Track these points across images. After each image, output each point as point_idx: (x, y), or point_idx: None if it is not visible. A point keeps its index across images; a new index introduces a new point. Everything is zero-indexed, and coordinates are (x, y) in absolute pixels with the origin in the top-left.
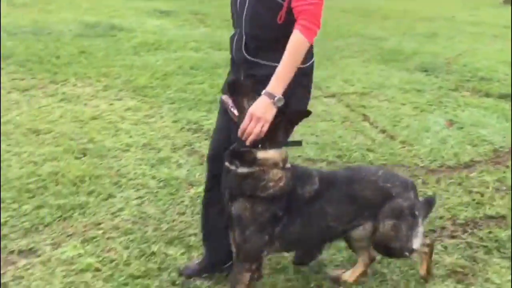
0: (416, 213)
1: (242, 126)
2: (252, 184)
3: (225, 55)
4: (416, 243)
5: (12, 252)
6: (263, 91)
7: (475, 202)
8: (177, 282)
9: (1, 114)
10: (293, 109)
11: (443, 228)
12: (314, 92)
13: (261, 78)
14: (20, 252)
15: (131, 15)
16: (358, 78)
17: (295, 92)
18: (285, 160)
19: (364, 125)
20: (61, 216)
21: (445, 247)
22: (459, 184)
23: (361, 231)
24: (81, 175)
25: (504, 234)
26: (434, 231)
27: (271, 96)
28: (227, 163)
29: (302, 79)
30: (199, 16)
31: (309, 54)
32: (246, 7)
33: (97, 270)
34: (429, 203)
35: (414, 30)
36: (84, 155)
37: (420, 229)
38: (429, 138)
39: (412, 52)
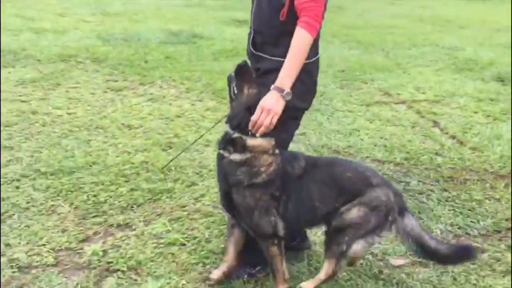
0: (390, 218)
1: (253, 118)
2: (247, 172)
3: None
4: (357, 247)
5: (111, 225)
6: (272, 86)
7: None
8: None
9: (99, 111)
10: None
11: (508, 229)
12: (383, 98)
13: (265, 72)
14: (118, 226)
15: (211, 24)
16: (430, 86)
17: (295, 88)
18: (274, 147)
19: (434, 131)
20: (151, 198)
21: (508, 246)
22: None
23: None
24: (168, 165)
25: None
26: (499, 231)
27: (280, 90)
28: (220, 150)
29: (302, 75)
30: None
31: (312, 52)
32: (254, 5)
33: (182, 244)
34: (468, 250)
35: (492, 40)
36: (170, 148)
37: (376, 240)
38: (500, 145)
39: (489, 62)
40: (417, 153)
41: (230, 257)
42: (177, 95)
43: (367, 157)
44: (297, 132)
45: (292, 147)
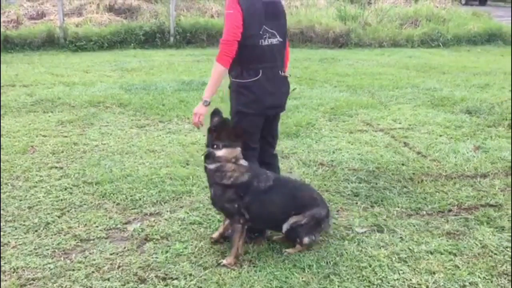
0: (322, 225)
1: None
2: (219, 176)
3: (294, 103)
4: (306, 241)
5: (146, 214)
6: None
7: (480, 196)
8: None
9: (127, 141)
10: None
11: (450, 210)
12: (365, 127)
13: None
14: (151, 214)
15: None
16: (406, 118)
17: (236, 97)
18: (236, 157)
19: (403, 149)
20: (175, 196)
21: (447, 221)
22: (471, 186)
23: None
24: (187, 175)
25: (496, 214)
26: (442, 211)
27: (202, 100)
28: (204, 164)
29: (242, 90)
30: None
31: (248, 74)
32: None
33: (200, 223)
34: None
35: (468, 82)
36: (187, 164)
37: (317, 236)
38: (456, 157)
39: (461, 99)
40: (386, 164)
41: (225, 224)
42: (191, 129)
43: (346, 167)
44: (289, 151)
45: (284, 162)
